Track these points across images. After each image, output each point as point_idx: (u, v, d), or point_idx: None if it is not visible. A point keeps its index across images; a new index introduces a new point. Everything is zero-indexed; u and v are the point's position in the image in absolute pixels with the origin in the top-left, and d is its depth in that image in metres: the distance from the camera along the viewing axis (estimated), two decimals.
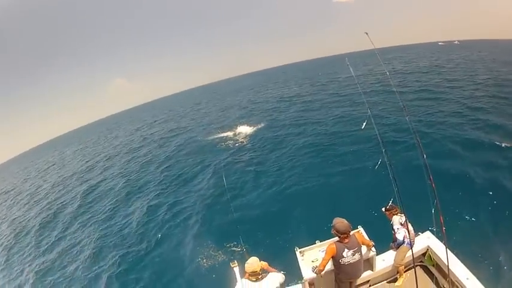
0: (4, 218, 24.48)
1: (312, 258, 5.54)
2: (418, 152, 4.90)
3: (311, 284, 5.45)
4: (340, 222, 4.69)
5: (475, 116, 17.31)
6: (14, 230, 20.18)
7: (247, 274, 4.20)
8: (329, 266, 4.95)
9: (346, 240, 4.68)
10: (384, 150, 4.89)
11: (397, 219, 5.52)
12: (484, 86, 24.24)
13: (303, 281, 5.36)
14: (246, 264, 4.20)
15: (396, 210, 5.55)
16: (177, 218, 13.53)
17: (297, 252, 5.69)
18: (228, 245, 9.70)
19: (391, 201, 5.57)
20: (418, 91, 25.83)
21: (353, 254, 4.69)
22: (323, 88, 42.12)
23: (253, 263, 4.18)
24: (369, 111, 5.47)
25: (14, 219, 22.93)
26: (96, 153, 39.32)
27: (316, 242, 5.78)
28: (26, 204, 26.27)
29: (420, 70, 38.82)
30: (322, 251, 5.16)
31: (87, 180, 25.78)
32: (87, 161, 35.71)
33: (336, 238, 4.82)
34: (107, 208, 17.68)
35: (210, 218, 12.55)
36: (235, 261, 4.82)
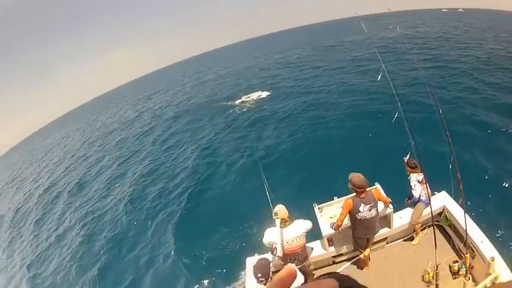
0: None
1: (330, 214, 5.68)
2: (434, 108, 4.88)
3: (329, 240, 5.63)
4: (356, 176, 4.76)
5: (488, 79, 16.96)
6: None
7: (276, 221, 4.41)
8: (346, 221, 5.08)
9: (363, 195, 4.76)
10: (399, 104, 4.85)
11: (415, 176, 5.54)
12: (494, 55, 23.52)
13: (322, 237, 5.53)
14: (275, 212, 4.41)
15: (417, 170, 5.53)
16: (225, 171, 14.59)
17: (315, 209, 5.82)
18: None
19: (409, 155, 5.57)
20: (429, 55, 25.35)
21: (369, 209, 4.79)
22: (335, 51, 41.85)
23: (282, 210, 4.41)
24: (383, 65, 5.40)
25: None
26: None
27: (334, 198, 5.91)
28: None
29: (428, 36, 37.77)
30: (341, 207, 5.29)
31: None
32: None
33: (353, 194, 4.90)
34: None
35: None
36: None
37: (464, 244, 4.76)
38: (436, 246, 4.68)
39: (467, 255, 4.63)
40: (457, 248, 5.36)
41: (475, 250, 4.90)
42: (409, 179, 5.68)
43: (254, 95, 26.94)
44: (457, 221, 5.27)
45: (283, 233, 4.40)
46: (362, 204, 4.77)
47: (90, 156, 28.17)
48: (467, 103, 13.89)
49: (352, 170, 4.95)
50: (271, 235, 4.48)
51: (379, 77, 5.17)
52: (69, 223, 15.73)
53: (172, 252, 10.24)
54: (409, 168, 5.68)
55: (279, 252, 4.25)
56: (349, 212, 4.89)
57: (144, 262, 10.51)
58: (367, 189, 4.87)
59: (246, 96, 27.26)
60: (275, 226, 4.40)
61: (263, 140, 16.41)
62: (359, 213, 4.81)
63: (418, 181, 5.49)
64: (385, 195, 5.29)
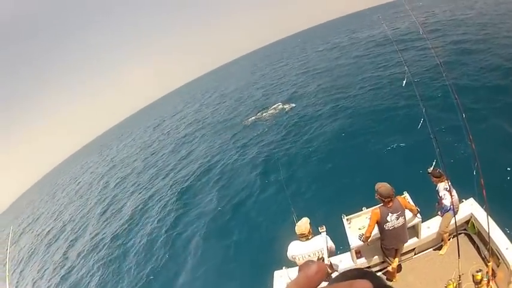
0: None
1: (359, 225, 5.78)
2: (458, 112, 4.97)
3: (357, 252, 5.75)
4: (382, 186, 4.89)
5: None
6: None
7: (297, 235, 4.66)
8: (375, 232, 5.18)
9: (390, 204, 4.88)
10: (423, 110, 4.98)
11: (443, 186, 5.65)
12: None
13: (350, 249, 5.64)
14: (296, 227, 4.65)
15: (443, 178, 5.63)
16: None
17: (344, 220, 5.94)
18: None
19: (434, 163, 5.67)
20: (453, 44, 24.78)
21: (397, 218, 4.90)
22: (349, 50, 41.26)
23: (302, 225, 4.62)
24: (407, 68, 5.51)
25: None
26: None
27: (363, 209, 6.01)
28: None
29: (446, 19, 36.86)
30: (369, 218, 5.43)
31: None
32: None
33: (380, 204, 5.03)
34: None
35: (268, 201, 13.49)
36: (324, 226, 5.15)
37: (489, 252, 4.79)
38: (459, 256, 4.74)
39: (490, 263, 4.68)
40: (483, 256, 5.39)
41: (499, 258, 4.93)
42: (437, 189, 5.81)
43: (276, 108, 26.63)
44: (483, 228, 5.26)
45: (303, 247, 4.59)
46: (389, 214, 4.88)
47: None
48: (493, 101, 13.70)
49: (379, 179, 5.08)
50: (292, 248, 4.67)
51: (404, 82, 5.29)
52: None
53: (203, 269, 11.05)
54: (434, 178, 5.81)
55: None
56: (377, 223, 5.00)
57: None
58: (394, 198, 4.95)
59: (268, 109, 27.15)
60: (298, 240, 4.64)
61: (289, 153, 16.80)
62: (387, 223, 4.92)
63: (446, 190, 5.53)
64: (413, 204, 5.36)
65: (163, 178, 23.25)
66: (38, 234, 30.22)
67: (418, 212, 5.39)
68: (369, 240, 5.21)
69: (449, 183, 5.37)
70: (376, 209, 5.04)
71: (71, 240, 22.31)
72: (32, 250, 26.40)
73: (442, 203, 5.72)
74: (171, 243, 13.82)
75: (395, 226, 4.94)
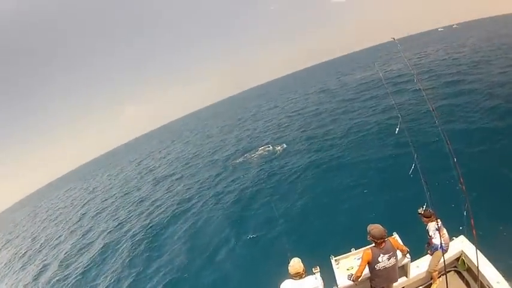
0: None
1: (347, 266, 5.85)
2: (449, 154, 5.20)
3: None
4: (375, 228, 4.99)
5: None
6: None
7: (290, 275, 4.70)
8: (366, 272, 5.23)
9: (382, 245, 4.98)
10: (415, 156, 5.21)
11: (433, 225, 5.76)
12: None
13: None
14: (289, 267, 4.70)
15: (433, 218, 5.75)
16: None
17: (332, 260, 6.01)
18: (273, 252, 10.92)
19: (424, 206, 5.87)
20: (446, 85, 25.63)
21: (388, 259, 4.97)
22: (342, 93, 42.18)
23: (295, 264, 4.69)
24: (399, 115, 5.79)
25: None
26: None
27: (352, 250, 6.09)
28: None
29: (439, 59, 38.07)
30: (358, 259, 5.46)
31: None
32: None
33: (372, 244, 5.13)
34: None
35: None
36: (317, 267, 5.22)
37: (479, 286, 4.92)
38: None
39: None
40: None
41: None
42: (427, 229, 5.91)
43: (265, 149, 26.86)
44: (473, 264, 5.37)
45: (297, 286, 4.61)
46: (381, 255, 4.94)
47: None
48: (485, 142, 14.02)
49: (369, 221, 5.23)
50: (284, 287, 4.70)
51: (397, 129, 5.57)
52: None
53: None
54: (425, 218, 5.94)
55: None
56: (368, 263, 5.05)
57: None
58: (386, 239, 5.04)
59: (257, 150, 27.42)
60: (291, 279, 4.69)
61: (280, 195, 16.87)
62: (378, 264, 4.97)
63: (436, 229, 5.65)
64: (402, 244, 5.48)
65: (140, 215, 23.53)
66: (15, 254, 30.19)
67: (408, 252, 5.50)
68: (359, 280, 5.25)
69: (439, 223, 5.54)
70: (368, 249, 5.11)
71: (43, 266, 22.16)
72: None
73: (432, 242, 5.85)
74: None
75: (386, 266, 5.00)
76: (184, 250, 14.90)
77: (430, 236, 5.86)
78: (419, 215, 6.04)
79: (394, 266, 5.10)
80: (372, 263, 5.04)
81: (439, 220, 5.59)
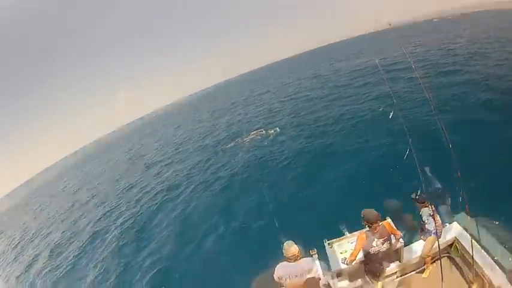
0: None
1: (341, 250, 5.95)
2: (444, 142, 5.17)
3: (339, 275, 5.89)
4: (369, 212, 5.06)
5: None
6: None
7: (286, 258, 4.69)
8: (359, 256, 5.31)
9: (376, 230, 5.04)
10: (410, 140, 5.18)
11: (427, 211, 5.84)
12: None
13: (332, 272, 5.79)
14: (284, 250, 4.68)
15: (427, 204, 5.82)
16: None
17: (326, 244, 6.11)
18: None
19: (419, 191, 5.92)
20: (442, 75, 25.59)
21: (382, 243, 5.06)
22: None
23: (290, 247, 4.66)
24: (394, 100, 5.74)
25: None
26: None
27: (345, 233, 6.23)
28: None
29: (431, 51, 38.11)
30: (351, 243, 5.53)
31: None
32: None
33: (366, 228, 5.18)
34: None
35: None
36: (315, 249, 5.32)
37: (473, 274, 5.01)
38: (442, 280, 4.91)
39: (475, 285, 4.90)
40: (466, 279, 5.58)
41: (484, 279, 5.13)
42: (420, 214, 6.00)
43: (259, 133, 26.80)
44: (467, 251, 5.49)
45: (292, 267, 4.62)
46: (375, 239, 5.04)
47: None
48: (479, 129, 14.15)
49: (362, 205, 5.25)
50: (280, 269, 4.72)
51: (391, 115, 5.53)
52: None
53: None
54: (418, 204, 6.01)
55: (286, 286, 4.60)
56: (362, 247, 5.13)
57: None
58: (380, 223, 5.11)
59: (250, 135, 27.21)
60: (286, 261, 4.69)
61: (272, 180, 16.84)
62: (372, 248, 5.06)
63: (430, 215, 5.75)
64: (396, 229, 5.49)
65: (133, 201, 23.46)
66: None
67: (401, 236, 5.55)
68: (352, 264, 5.32)
69: (433, 209, 5.62)
70: (362, 233, 5.19)
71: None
72: None
73: (425, 228, 5.93)
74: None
75: (380, 250, 5.09)
76: (173, 237, 14.94)
77: (424, 222, 5.93)
78: (413, 199, 6.12)
79: (388, 250, 5.18)
80: (366, 247, 5.10)
81: (432, 206, 5.65)
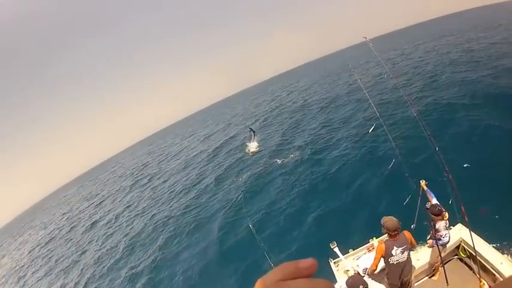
0: None
1: (346, 267, 6.08)
2: (431, 146, 5.46)
3: None
4: (389, 220, 5.10)
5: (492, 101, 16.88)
6: None
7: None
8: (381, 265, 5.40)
9: (396, 238, 5.08)
10: (399, 152, 5.43)
11: (443, 225, 5.68)
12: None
13: None
14: None
15: (444, 215, 5.64)
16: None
17: (331, 264, 6.29)
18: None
19: (432, 202, 5.94)
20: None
21: (402, 252, 5.08)
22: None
23: None
24: (377, 113, 6.06)
25: None
26: None
27: (350, 251, 6.36)
28: None
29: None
30: (357, 259, 5.68)
31: None
32: None
33: (385, 236, 5.30)
34: None
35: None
36: (334, 242, 5.45)
37: (484, 271, 5.18)
38: (447, 283, 5.11)
39: (482, 282, 5.09)
40: (478, 276, 5.61)
41: (495, 273, 5.30)
42: (437, 228, 5.75)
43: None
44: (474, 249, 5.49)
45: None
46: (395, 247, 5.06)
47: None
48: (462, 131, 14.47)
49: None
50: None
51: (371, 129, 5.82)
52: None
53: None
54: (433, 216, 5.74)
55: None
56: (382, 256, 5.20)
57: None
58: (400, 231, 5.14)
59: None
60: None
61: (266, 196, 16.85)
62: (392, 257, 5.09)
63: (447, 227, 5.67)
64: (414, 240, 5.40)
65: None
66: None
67: (415, 247, 5.69)
68: (375, 272, 5.44)
69: (447, 220, 5.64)
70: (381, 242, 5.25)
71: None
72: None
73: (437, 236, 5.72)
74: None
75: (400, 261, 5.09)
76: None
77: (436, 230, 5.75)
78: (426, 210, 5.89)
79: (407, 260, 5.19)
80: (385, 257, 5.16)
81: (447, 218, 5.63)
